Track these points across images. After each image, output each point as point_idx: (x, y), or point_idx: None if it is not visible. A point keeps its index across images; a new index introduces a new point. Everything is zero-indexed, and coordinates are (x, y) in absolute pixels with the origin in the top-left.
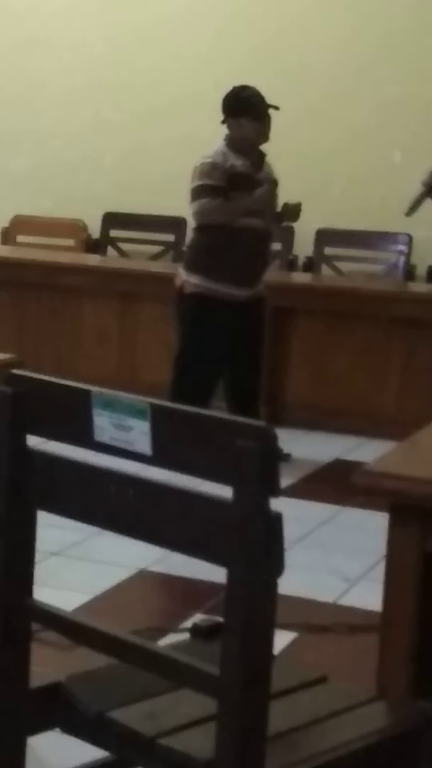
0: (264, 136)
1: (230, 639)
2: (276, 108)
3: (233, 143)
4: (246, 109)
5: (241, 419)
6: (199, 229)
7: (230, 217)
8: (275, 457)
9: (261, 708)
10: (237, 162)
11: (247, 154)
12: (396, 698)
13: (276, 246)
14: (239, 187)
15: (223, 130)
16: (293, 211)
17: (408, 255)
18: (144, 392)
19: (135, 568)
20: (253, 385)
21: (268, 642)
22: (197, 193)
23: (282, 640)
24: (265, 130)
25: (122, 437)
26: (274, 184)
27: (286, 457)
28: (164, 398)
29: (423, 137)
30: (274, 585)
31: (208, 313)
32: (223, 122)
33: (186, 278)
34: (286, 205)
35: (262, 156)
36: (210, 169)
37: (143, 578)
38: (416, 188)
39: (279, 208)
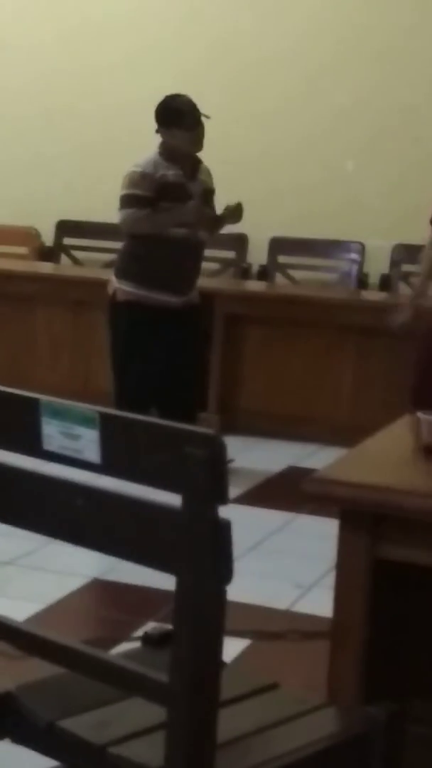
0: (197, 145)
1: (179, 647)
2: (207, 117)
3: (166, 152)
4: (178, 119)
5: (189, 427)
6: (132, 236)
7: (155, 228)
8: (223, 464)
9: (210, 715)
10: (168, 171)
11: (179, 163)
12: (346, 704)
13: (230, 254)
14: (170, 197)
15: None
16: (235, 213)
17: (361, 263)
18: (97, 400)
19: (88, 577)
20: (186, 393)
21: (217, 649)
22: (124, 202)
23: (235, 647)
24: (197, 139)
25: (71, 446)
26: (208, 192)
27: (230, 461)
28: (112, 406)
29: (375, 146)
30: (223, 592)
31: (142, 320)
32: (157, 131)
33: (117, 285)
34: (227, 207)
35: (196, 164)
36: (139, 178)
37: (96, 587)
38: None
39: (219, 213)
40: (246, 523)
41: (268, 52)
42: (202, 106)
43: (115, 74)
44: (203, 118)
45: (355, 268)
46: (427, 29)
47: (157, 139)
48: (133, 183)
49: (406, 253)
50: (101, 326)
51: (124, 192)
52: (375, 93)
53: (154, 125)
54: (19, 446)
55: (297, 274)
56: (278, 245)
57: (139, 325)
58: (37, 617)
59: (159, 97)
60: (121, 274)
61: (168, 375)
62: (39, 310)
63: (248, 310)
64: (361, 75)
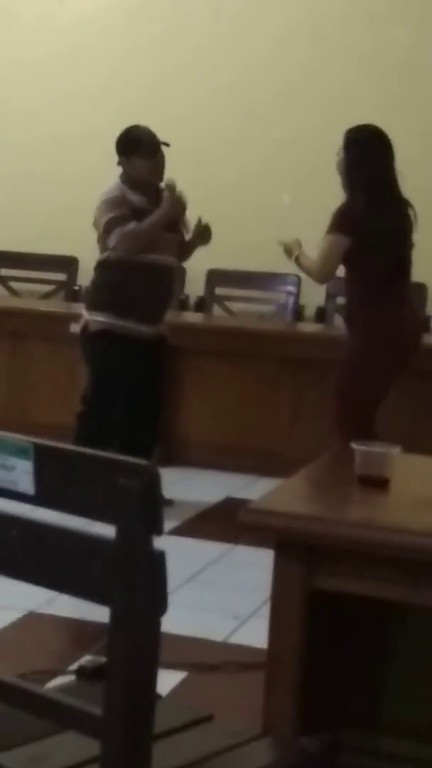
0: (157, 174)
1: (113, 679)
2: (167, 144)
3: (128, 181)
4: (136, 147)
5: (123, 458)
6: (102, 266)
7: (148, 235)
8: (157, 495)
9: (144, 749)
10: (134, 198)
11: (142, 191)
12: (280, 735)
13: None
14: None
15: (119, 170)
16: (204, 234)
17: (297, 295)
18: (34, 432)
19: (24, 610)
20: (151, 426)
21: (151, 681)
22: (110, 226)
23: (171, 679)
24: (157, 167)
25: (5, 477)
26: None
27: (169, 503)
28: (62, 437)
29: (311, 180)
30: (158, 624)
31: (115, 349)
32: (118, 163)
33: (89, 317)
34: (195, 228)
35: (158, 193)
36: (116, 201)
37: (32, 620)
38: None
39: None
40: (183, 555)
41: (206, 87)
42: None
43: (53, 108)
44: (163, 147)
45: (291, 300)
46: (368, 72)
47: (118, 170)
48: (112, 206)
49: (342, 285)
50: (39, 357)
51: (106, 218)
52: (310, 128)
53: (90, 159)
54: None
55: (234, 306)
56: (215, 277)
57: (112, 355)
58: None
59: (95, 132)
60: (93, 305)
61: (135, 407)
62: None
63: (187, 342)
64: (298, 110)
